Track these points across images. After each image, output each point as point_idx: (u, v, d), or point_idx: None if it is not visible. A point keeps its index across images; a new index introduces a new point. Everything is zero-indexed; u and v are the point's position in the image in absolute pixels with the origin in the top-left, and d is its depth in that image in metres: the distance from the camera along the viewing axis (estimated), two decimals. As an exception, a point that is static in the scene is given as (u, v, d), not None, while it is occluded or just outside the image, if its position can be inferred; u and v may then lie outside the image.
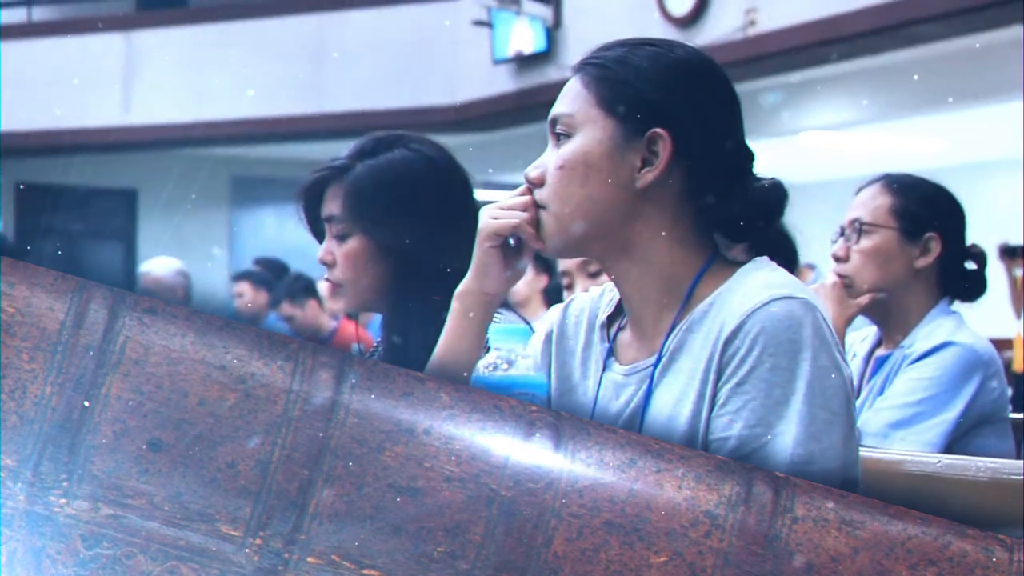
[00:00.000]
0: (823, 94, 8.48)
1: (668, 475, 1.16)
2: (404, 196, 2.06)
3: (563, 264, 2.72)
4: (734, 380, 1.46)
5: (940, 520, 1.14)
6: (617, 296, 1.63)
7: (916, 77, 8.00)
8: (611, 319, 1.64)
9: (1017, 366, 6.11)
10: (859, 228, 2.49)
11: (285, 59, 10.67)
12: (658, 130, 1.52)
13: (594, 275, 2.66)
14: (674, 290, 1.55)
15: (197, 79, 10.81)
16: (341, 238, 2.09)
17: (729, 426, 1.45)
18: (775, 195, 1.57)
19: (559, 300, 4.60)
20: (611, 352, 1.61)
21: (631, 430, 1.50)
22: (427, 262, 2.03)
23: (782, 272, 1.54)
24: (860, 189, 2.56)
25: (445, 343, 1.64)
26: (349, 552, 1.15)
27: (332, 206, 2.09)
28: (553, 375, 1.67)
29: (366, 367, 1.18)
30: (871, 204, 2.50)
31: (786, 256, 1.61)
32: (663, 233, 1.54)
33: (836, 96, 8.65)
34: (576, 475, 1.16)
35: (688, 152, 1.53)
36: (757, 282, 1.50)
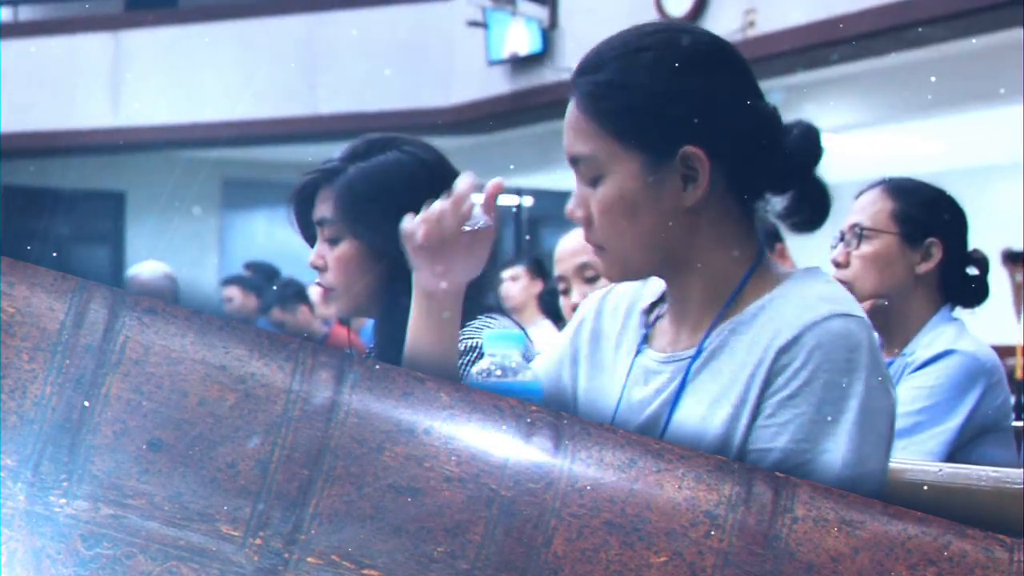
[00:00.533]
0: (823, 96, 8.48)
1: (668, 475, 1.16)
2: (396, 199, 2.04)
3: (559, 269, 2.72)
4: (785, 392, 1.43)
5: (940, 520, 1.14)
6: (662, 286, 1.61)
7: (920, 79, 8.00)
8: (652, 305, 1.62)
9: (1020, 373, 6.09)
10: (859, 233, 2.47)
11: (277, 60, 10.66)
12: (689, 149, 1.48)
13: (591, 280, 2.66)
14: (720, 288, 1.53)
15: (187, 80, 10.78)
16: (333, 242, 2.08)
17: (774, 438, 1.43)
18: (808, 141, 1.53)
19: (555, 305, 4.60)
20: (646, 338, 1.59)
21: (657, 420, 1.51)
22: None
23: (838, 286, 1.52)
24: (860, 193, 2.53)
25: (408, 334, 1.63)
26: (349, 552, 1.15)
27: (323, 209, 2.09)
28: (583, 360, 1.64)
29: (366, 367, 1.18)
30: (871, 209, 2.48)
31: (820, 208, 1.57)
32: (715, 238, 1.52)
33: (836, 98, 8.64)
34: (576, 475, 1.16)
35: (723, 152, 1.49)
36: (814, 293, 1.48)
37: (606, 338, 1.64)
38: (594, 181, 1.51)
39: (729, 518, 1.15)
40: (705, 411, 1.48)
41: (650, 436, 1.48)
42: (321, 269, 2.09)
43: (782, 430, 1.43)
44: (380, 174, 2.06)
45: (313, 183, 2.10)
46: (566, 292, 2.74)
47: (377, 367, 1.18)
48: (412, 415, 1.17)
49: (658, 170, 1.48)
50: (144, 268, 6.23)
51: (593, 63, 1.53)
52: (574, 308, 2.67)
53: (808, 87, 8.09)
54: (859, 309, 1.48)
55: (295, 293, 6.60)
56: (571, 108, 1.53)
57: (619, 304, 1.64)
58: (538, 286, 5.85)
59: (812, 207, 1.54)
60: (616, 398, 1.56)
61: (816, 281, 1.51)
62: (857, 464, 1.41)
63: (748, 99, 1.52)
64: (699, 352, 1.51)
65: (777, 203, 1.54)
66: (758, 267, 1.53)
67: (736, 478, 1.16)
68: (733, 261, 1.52)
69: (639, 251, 1.51)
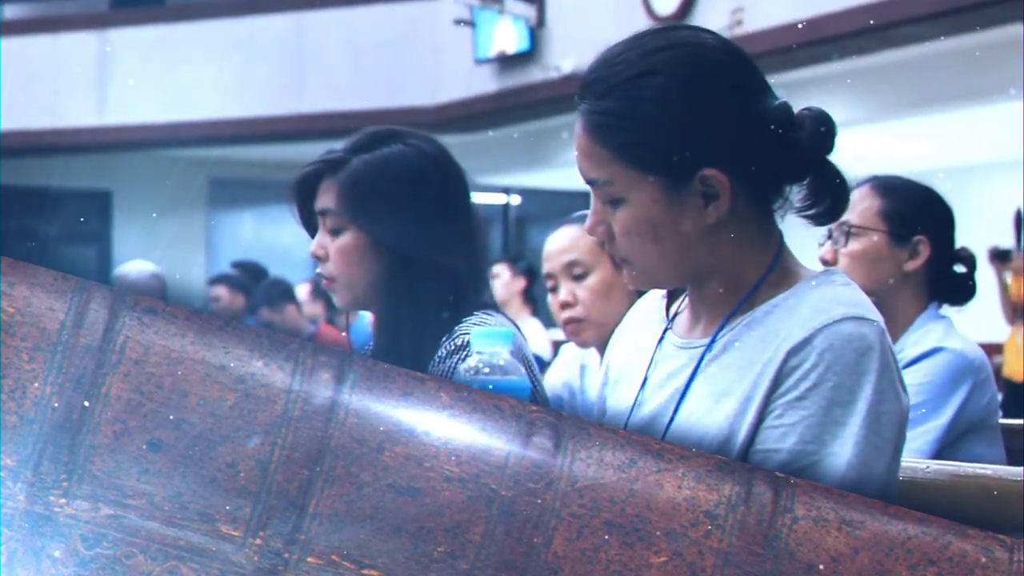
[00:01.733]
0: (811, 95, 8.48)
1: (668, 475, 1.16)
2: (400, 191, 2.04)
3: (547, 267, 2.71)
4: (794, 393, 1.44)
5: (940, 520, 1.15)
6: None
7: (907, 78, 8.01)
8: (675, 294, 1.64)
9: (1008, 372, 6.13)
10: (847, 231, 2.47)
11: (263, 59, 10.64)
12: (708, 172, 1.48)
13: (578, 277, 2.65)
14: (739, 285, 1.53)
15: (173, 79, 10.76)
16: (335, 232, 2.07)
17: (782, 439, 1.43)
18: (820, 129, 1.52)
19: (542, 301, 4.59)
20: (669, 327, 1.60)
21: (667, 406, 1.51)
22: (422, 258, 2.02)
23: (855, 289, 1.52)
24: None
25: None
26: (349, 552, 1.15)
27: (326, 200, 2.08)
28: (618, 352, 1.67)
29: (366, 367, 1.18)
30: (859, 206, 2.48)
31: (838, 196, 1.57)
32: (737, 244, 1.52)
33: (824, 97, 8.64)
34: (576, 475, 1.16)
35: (741, 167, 1.49)
36: (829, 296, 1.48)
37: (638, 328, 1.66)
38: (613, 202, 1.51)
39: (729, 518, 1.15)
40: (712, 403, 1.49)
41: (659, 422, 1.51)
42: (322, 259, 2.09)
43: (790, 432, 1.43)
44: (384, 166, 2.05)
45: (316, 173, 2.10)
46: (554, 290, 2.72)
47: (377, 367, 1.18)
48: (412, 415, 1.17)
49: (678, 193, 1.49)
50: (131, 267, 6.21)
51: (598, 87, 1.52)
52: (562, 306, 2.67)
53: (796, 86, 8.10)
54: (874, 313, 1.48)
55: (282, 292, 6.60)
56: (580, 133, 1.52)
57: (658, 297, 1.67)
58: (520, 282, 5.86)
59: (830, 195, 1.53)
60: (641, 380, 1.58)
61: (832, 283, 1.51)
62: (862, 467, 1.41)
63: (760, 104, 1.51)
64: (711, 343, 1.52)
65: (795, 196, 1.54)
66: (777, 265, 1.54)
67: (736, 478, 1.16)
68: (753, 260, 1.53)
69: (664, 268, 1.53)
